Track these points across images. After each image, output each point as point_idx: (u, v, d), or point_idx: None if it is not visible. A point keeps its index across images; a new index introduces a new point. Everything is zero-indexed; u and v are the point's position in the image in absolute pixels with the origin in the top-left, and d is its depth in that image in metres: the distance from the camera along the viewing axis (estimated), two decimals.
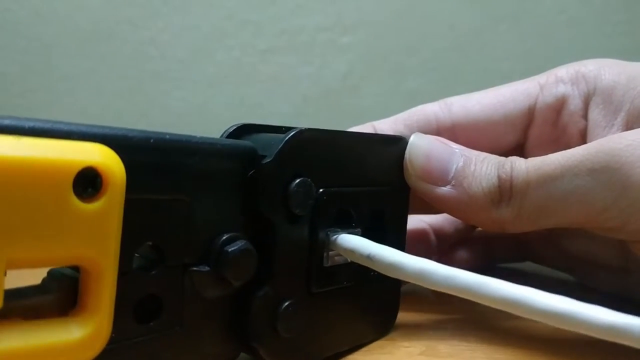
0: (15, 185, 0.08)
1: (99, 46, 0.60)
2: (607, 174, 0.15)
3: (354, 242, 0.15)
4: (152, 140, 0.11)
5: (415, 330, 0.17)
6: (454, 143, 0.17)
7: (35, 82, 0.60)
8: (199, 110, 0.59)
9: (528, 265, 0.25)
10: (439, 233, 0.22)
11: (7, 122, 0.09)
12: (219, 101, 0.59)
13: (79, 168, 0.09)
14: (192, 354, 0.13)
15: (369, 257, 0.15)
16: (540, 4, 0.55)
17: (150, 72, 0.59)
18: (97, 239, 0.10)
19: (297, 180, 0.14)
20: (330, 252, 0.15)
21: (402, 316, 0.19)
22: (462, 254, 0.23)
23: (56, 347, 0.10)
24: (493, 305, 0.14)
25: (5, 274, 0.09)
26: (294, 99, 0.58)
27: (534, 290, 0.13)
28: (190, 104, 0.59)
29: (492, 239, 0.24)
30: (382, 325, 0.17)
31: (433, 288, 0.14)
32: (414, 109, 0.20)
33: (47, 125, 0.10)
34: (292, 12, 0.58)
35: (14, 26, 0.60)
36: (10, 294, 0.10)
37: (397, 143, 0.17)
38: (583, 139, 0.18)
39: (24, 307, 0.10)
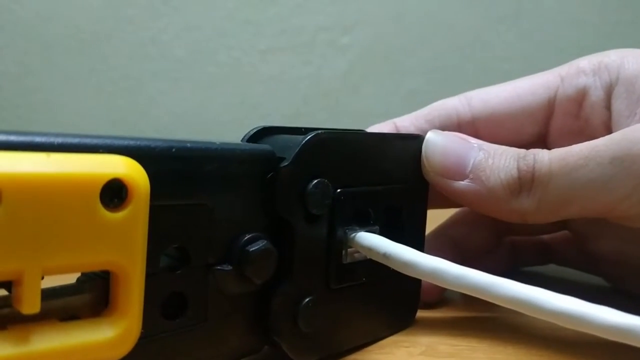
0: (48, 199, 0.09)
1: (99, 46, 0.60)
2: (628, 162, 0.15)
3: (371, 240, 0.15)
4: (173, 150, 0.12)
5: (415, 330, 0.17)
6: (472, 138, 0.17)
7: (35, 82, 0.60)
8: (199, 110, 0.59)
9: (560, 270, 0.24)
10: (462, 245, 0.22)
11: (38, 139, 0.10)
12: (219, 101, 0.59)
13: (106, 180, 0.10)
14: (217, 347, 0.13)
15: (385, 256, 0.15)
16: (540, 4, 0.55)
17: (150, 72, 0.59)
18: (124, 245, 0.10)
19: (315, 182, 0.14)
20: (349, 250, 0.15)
21: None
22: (486, 263, 0.23)
23: (90, 346, 0.10)
24: (503, 305, 0.14)
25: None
26: (294, 99, 0.58)
27: (543, 291, 0.13)
28: (190, 104, 0.59)
29: (516, 244, 0.24)
30: (402, 319, 0.18)
31: (446, 287, 0.14)
32: (434, 104, 0.20)
33: (75, 141, 0.10)
34: (292, 12, 0.58)
35: (14, 26, 0.60)
36: (45, 295, 0.10)
37: (413, 141, 0.17)
38: (607, 130, 0.18)
39: (58, 307, 0.10)
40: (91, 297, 0.11)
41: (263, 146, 0.14)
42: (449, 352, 0.16)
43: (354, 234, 0.15)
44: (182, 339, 0.12)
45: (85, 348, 0.10)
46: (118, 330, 0.10)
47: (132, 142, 0.11)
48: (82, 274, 0.11)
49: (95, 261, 0.10)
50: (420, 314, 0.19)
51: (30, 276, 0.09)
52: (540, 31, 0.55)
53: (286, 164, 0.13)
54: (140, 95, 0.59)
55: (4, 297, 0.10)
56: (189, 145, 0.12)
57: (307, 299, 0.14)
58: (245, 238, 0.13)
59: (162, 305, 0.12)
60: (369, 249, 0.15)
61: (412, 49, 0.56)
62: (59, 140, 0.10)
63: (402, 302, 0.17)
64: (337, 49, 0.57)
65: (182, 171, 0.12)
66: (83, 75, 0.60)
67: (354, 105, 0.58)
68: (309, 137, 0.14)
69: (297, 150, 0.14)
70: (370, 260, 0.16)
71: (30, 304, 0.09)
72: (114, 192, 0.10)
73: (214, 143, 0.13)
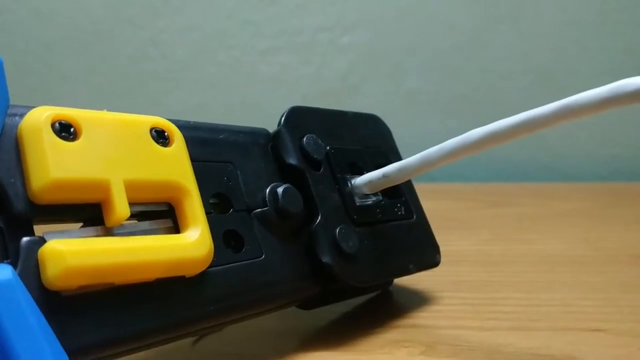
0: (114, 132, 0.12)
1: (99, 46, 0.60)
2: None
3: (369, 174, 0.18)
4: (192, 122, 0.15)
5: (415, 330, 0.17)
6: None
7: (35, 82, 0.60)
8: (199, 110, 0.59)
9: None
10: None
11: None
12: (219, 101, 0.59)
13: (151, 124, 0.13)
14: (280, 282, 0.15)
15: (384, 176, 0.17)
16: (540, 4, 0.55)
17: (150, 72, 0.59)
18: (178, 169, 0.13)
19: (305, 136, 0.17)
20: (358, 198, 0.18)
21: (403, 316, 0.19)
22: None
23: (179, 246, 0.12)
24: (484, 147, 0.15)
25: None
26: (294, 99, 0.58)
27: (501, 120, 0.14)
28: (190, 104, 0.59)
29: None
30: (429, 258, 0.19)
31: (437, 166, 0.16)
32: None
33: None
34: (292, 12, 0.58)
35: (14, 26, 0.60)
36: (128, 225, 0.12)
37: (373, 119, 0.20)
38: None
39: (142, 229, 0.13)
40: (163, 230, 0.13)
41: (258, 127, 0.17)
42: (449, 352, 0.16)
43: (354, 179, 0.18)
44: (246, 270, 0.14)
45: (176, 247, 0.12)
46: (197, 234, 0.13)
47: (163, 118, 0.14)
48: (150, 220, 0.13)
49: (160, 179, 0.13)
50: (421, 314, 0.19)
51: (116, 186, 0.12)
52: (540, 31, 0.55)
53: (279, 129, 0.17)
54: (140, 95, 0.59)
55: (98, 227, 0.12)
56: (200, 122, 0.16)
57: (340, 227, 0.16)
58: (271, 185, 0.16)
59: (223, 239, 0.14)
60: (370, 182, 0.17)
61: (412, 49, 0.56)
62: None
63: (423, 242, 0.19)
64: (337, 49, 0.57)
65: (201, 137, 0.15)
66: (83, 75, 0.60)
67: (354, 105, 0.58)
68: (287, 109, 0.17)
69: (283, 118, 0.17)
70: (378, 203, 0.18)
71: (122, 211, 0.12)
72: (159, 135, 0.13)
73: (219, 123, 0.16)
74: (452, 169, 0.57)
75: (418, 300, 0.20)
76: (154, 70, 0.59)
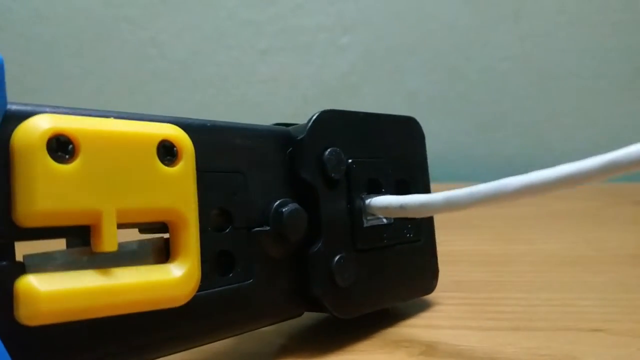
0: (115, 151, 0.11)
1: (99, 46, 0.60)
2: None
3: (386, 199, 0.17)
4: (208, 124, 0.14)
5: (415, 330, 0.17)
6: None
7: (35, 82, 0.60)
8: (199, 110, 0.59)
9: None
10: None
11: (101, 113, 0.12)
12: (219, 101, 0.59)
13: (159, 139, 0.12)
14: (264, 307, 0.15)
15: (402, 207, 0.16)
16: (540, 4, 0.55)
17: (150, 72, 0.59)
18: (180, 195, 0.12)
19: (329, 150, 0.16)
20: (368, 217, 0.17)
21: (403, 316, 0.19)
22: None
23: (161, 284, 0.12)
24: (518, 199, 0.14)
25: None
26: (294, 99, 0.58)
27: (540, 171, 0.14)
28: (190, 104, 0.59)
29: None
30: (426, 284, 0.19)
31: (463, 209, 0.15)
32: None
33: (130, 114, 0.13)
34: (292, 12, 0.58)
35: (14, 26, 0.60)
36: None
37: (408, 122, 0.19)
38: None
39: (128, 255, 0.12)
40: (154, 250, 0.12)
41: (279, 127, 0.16)
42: (449, 352, 0.16)
43: (369, 200, 0.17)
44: (235, 294, 0.14)
45: (158, 285, 0.12)
46: (183, 270, 0.12)
47: (174, 119, 0.13)
48: (141, 236, 0.13)
49: (159, 206, 0.12)
50: (420, 313, 0.19)
51: (108, 216, 0.11)
52: (540, 31, 0.55)
53: (303, 136, 0.16)
54: (140, 95, 0.59)
55: (82, 249, 0.11)
56: (219, 122, 0.15)
57: (339, 256, 0.16)
58: (277, 202, 0.15)
59: (214, 261, 0.14)
60: (386, 208, 0.17)
61: (412, 49, 0.56)
62: (114, 114, 0.12)
63: (423, 267, 0.19)
64: (337, 49, 0.57)
65: (216, 142, 0.14)
66: (83, 75, 0.60)
67: (354, 105, 0.58)
68: (318, 113, 0.16)
69: (310, 125, 0.16)
70: (388, 225, 0.17)
71: (109, 242, 0.11)
72: (166, 151, 0.12)
73: (239, 123, 0.15)
74: (451, 168, 0.57)
75: (418, 300, 0.20)
76: (154, 70, 0.59)
